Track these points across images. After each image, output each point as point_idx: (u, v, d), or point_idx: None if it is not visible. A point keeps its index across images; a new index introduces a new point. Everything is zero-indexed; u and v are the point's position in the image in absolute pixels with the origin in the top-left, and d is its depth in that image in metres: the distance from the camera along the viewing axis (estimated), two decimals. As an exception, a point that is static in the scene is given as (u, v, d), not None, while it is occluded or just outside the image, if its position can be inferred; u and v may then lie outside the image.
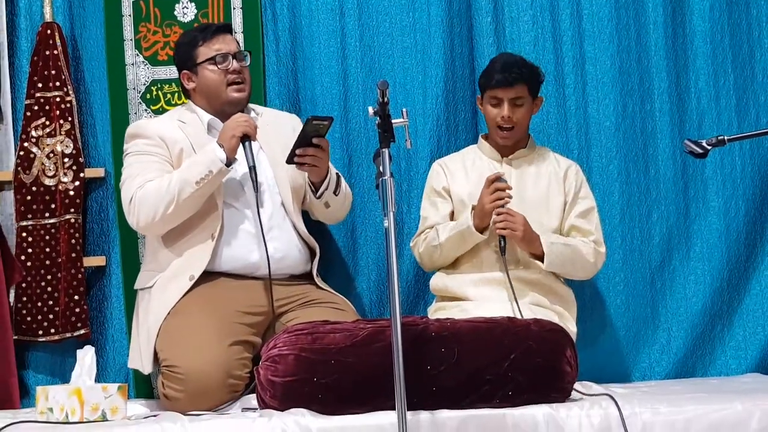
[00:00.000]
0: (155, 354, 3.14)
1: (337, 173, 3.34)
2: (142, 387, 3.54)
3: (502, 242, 3.20)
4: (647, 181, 3.76)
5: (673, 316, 3.72)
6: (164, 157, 3.24)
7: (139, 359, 3.20)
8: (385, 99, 2.65)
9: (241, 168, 3.22)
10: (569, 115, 3.77)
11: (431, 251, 3.34)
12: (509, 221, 3.18)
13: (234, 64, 3.29)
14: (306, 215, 3.44)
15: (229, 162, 3.13)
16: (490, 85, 3.32)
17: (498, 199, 3.20)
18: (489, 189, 3.22)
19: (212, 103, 3.32)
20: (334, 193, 3.30)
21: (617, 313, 3.71)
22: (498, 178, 3.24)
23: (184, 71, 3.35)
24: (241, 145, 3.16)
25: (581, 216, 3.36)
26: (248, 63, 3.34)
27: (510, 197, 3.22)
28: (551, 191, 3.37)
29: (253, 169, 3.14)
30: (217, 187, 3.17)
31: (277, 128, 3.38)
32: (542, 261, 3.22)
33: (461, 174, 3.41)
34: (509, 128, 3.33)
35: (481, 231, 3.24)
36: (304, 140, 3.13)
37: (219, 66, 3.28)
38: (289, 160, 3.17)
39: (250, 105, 3.42)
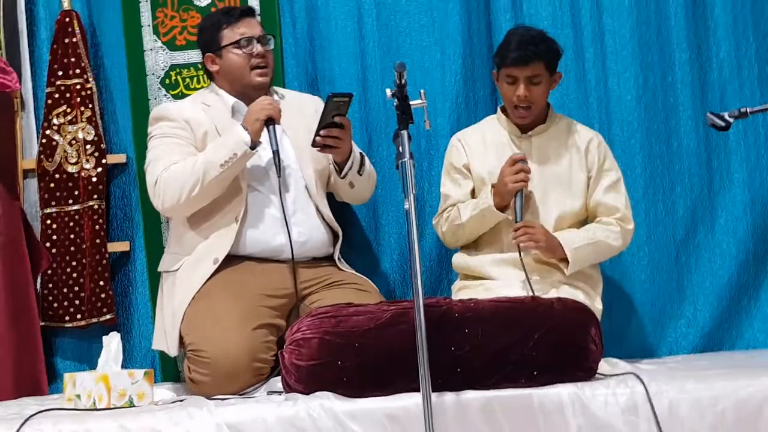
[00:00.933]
0: (181, 338, 3.15)
1: (360, 152, 3.34)
2: (169, 370, 3.57)
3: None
4: (670, 154, 3.72)
5: (699, 289, 3.69)
6: (188, 139, 3.25)
7: (165, 342, 3.23)
8: (403, 81, 2.64)
9: (264, 152, 3.22)
10: (589, 90, 3.73)
11: (454, 230, 3.32)
12: (529, 233, 3.14)
13: (258, 48, 3.30)
14: (331, 197, 3.44)
15: (254, 145, 3.13)
16: (505, 64, 3.25)
17: (519, 180, 3.17)
18: (512, 168, 3.19)
19: (235, 86, 3.33)
20: (359, 172, 3.30)
21: (642, 288, 3.69)
22: (522, 159, 3.21)
23: (208, 54, 3.36)
24: (265, 128, 3.16)
25: (608, 191, 3.31)
26: (272, 47, 3.35)
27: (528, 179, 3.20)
28: (573, 167, 3.33)
29: (276, 153, 3.14)
30: (241, 170, 3.18)
31: (300, 111, 3.37)
32: (566, 262, 3.18)
33: (480, 150, 3.37)
34: (526, 107, 3.28)
35: (502, 209, 3.22)
36: (326, 120, 3.12)
37: (243, 50, 3.29)
38: (314, 143, 3.16)
39: (274, 87, 3.42)
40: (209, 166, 3.11)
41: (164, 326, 3.24)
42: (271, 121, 3.16)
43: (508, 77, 3.27)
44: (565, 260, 3.19)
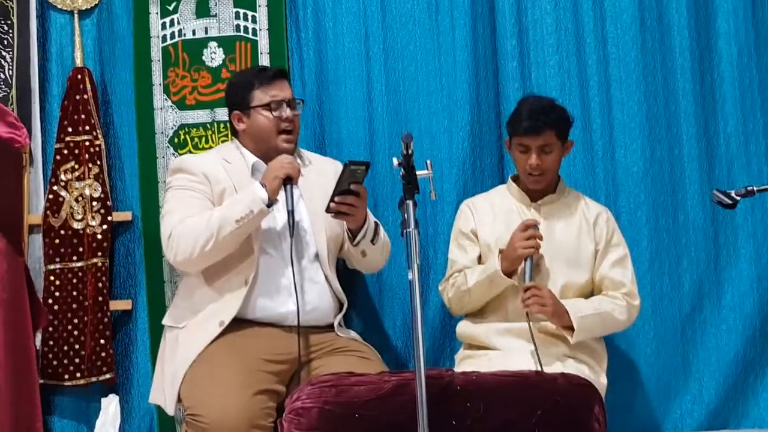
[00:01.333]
0: (180, 398, 3.12)
1: (375, 222, 3.30)
2: (168, 433, 3.54)
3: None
4: (676, 228, 3.71)
5: (705, 365, 3.65)
6: (206, 194, 3.22)
7: (162, 397, 3.19)
8: (409, 151, 2.64)
9: (279, 214, 3.20)
10: (596, 161, 3.73)
11: (460, 296, 3.29)
12: (537, 296, 3.11)
13: (287, 112, 3.28)
14: (342, 264, 3.41)
15: (271, 203, 3.11)
16: (517, 133, 3.27)
17: (530, 247, 3.16)
18: (524, 234, 3.18)
19: (260, 147, 3.30)
20: (372, 241, 3.26)
21: (647, 363, 3.65)
22: (534, 225, 3.20)
23: (236, 112, 3.33)
24: (282, 187, 3.13)
25: (614, 265, 3.30)
26: (300, 111, 3.33)
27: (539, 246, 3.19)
28: (581, 239, 3.32)
29: (291, 213, 3.11)
30: (256, 228, 3.15)
31: (319, 175, 3.34)
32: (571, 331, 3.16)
33: (489, 218, 3.37)
34: (539, 174, 3.30)
35: (509, 275, 3.20)
36: (341, 186, 3.10)
37: (273, 113, 3.27)
38: (328, 209, 3.13)
39: (298, 149, 3.39)
40: (224, 221, 3.09)
41: (163, 382, 3.21)
42: (289, 180, 3.13)
43: (520, 146, 3.28)
44: (570, 328, 3.16)
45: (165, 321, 3.32)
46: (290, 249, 3.13)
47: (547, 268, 3.26)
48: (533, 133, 3.23)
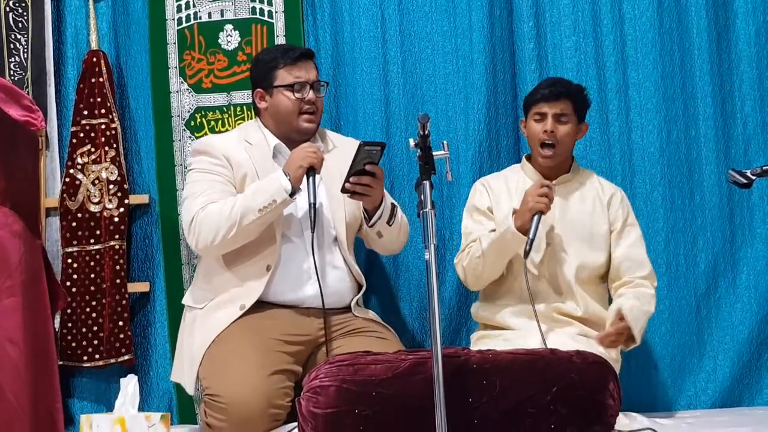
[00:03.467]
0: (198, 378, 3.14)
1: (392, 203, 3.28)
2: (187, 413, 3.57)
3: (528, 246, 3.11)
4: (692, 208, 3.71)
5: (719, 344, 3.65)
6: (228, 177, 3.22)
7: (182, 376, 3.22)
8: (426, 132, 2.63)
9: (301, 203, 3.18)
10: (613, 141, 3.73)
11: (475, 264, 3.26)
12: (613, 341, 3.12)
13: (310, 94, 3.25)
14: (360, 244, 3.42)
15: (293, 192, 3.10)
16: (534, 100, 3.28)
17: (542, 202, 3.13)
18: (538, 190, 3.15)
19: (280, 128, 3.28)
20: (388, 223, 3.24)
21: (662, 341, 3.66)
22: (549, 186, 3.18)
23: (259, 89, 3.31)
24: (305, 177, 3.12)
25: (634, 246, 3.31)
26: (324, 94, 3.31)
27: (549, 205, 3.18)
28: (595, 219, 3.32)
29: (312, 206, 3.09)
30: (278, 216, 3.15)
31: (339, 157, 3.31)
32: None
33: (505, 196, 3.37)
34: (551, 144, 3.27)
35: (524, 233, 3.17)
36: (356, 167, 3.08)
37: (295, 94, 3.24)
38: (343, 189, 3.12)
39: (322, 129, 3.37)
40: (247, 210, 3.08)
41: (183, 362, 3.23)
42: (312, 171, 3.11)
43: (536, 114, 3.28)
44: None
45: (185, 301, 3.33)
46: (311, 241, 3.12)
47: (564, 249, 3.27)
48: (552, 98, 3.25)
